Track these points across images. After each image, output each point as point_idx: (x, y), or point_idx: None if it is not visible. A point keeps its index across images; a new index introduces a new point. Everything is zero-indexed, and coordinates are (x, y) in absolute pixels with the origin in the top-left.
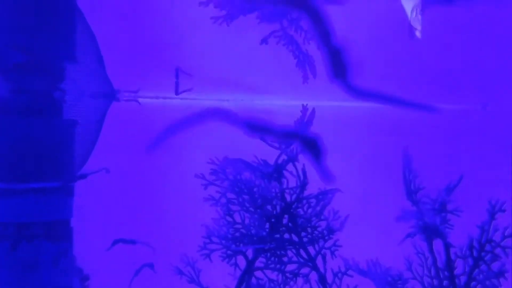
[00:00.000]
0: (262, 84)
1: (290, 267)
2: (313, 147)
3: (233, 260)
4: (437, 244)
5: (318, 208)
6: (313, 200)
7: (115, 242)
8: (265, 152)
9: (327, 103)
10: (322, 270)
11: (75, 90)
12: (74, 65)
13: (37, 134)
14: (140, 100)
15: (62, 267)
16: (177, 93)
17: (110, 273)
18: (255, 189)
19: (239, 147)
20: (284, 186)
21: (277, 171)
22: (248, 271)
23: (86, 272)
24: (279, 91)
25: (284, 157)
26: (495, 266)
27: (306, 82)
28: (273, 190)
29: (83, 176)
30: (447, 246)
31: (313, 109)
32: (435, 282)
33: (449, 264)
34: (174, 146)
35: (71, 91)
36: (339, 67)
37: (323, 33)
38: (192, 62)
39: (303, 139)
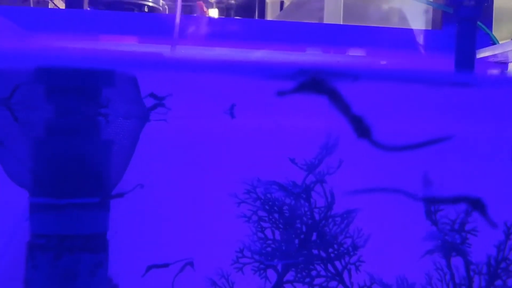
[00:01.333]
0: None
1: (318, 281)
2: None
3: (264, 274)
4: (454, 260)
5: (343, 226)
6: (339, 219)
7: (149, 268)
8: (294, 173)
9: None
10: (348, 283)
11: (112, 112)
12: (112, 89)
13: (77, 153)
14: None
15: (98, 277)
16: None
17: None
18: (285, 208)
19: (269, 169)
20: (313, 205)
21: (306, 192)
22: (279, 284)
23: (115, 282)
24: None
25: (312, 178)
26: (510, 282)
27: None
28: (302, 209)
29: (120, 195)
30: (467, 263)
31: (338, 134)
32: None
33: (469, 280)
34: (210, 167)
35: (109, 113)
36: (362, 130)
37: (343, 107)
38: None
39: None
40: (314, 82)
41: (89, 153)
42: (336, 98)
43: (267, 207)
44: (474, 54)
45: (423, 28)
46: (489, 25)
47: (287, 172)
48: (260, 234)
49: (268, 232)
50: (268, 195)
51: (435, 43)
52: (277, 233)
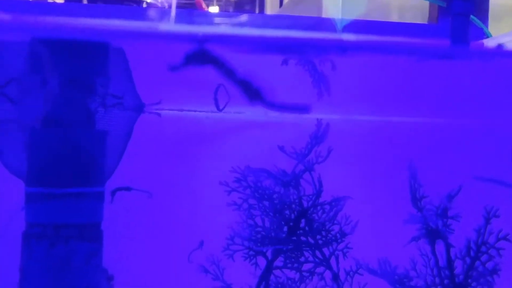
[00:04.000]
0: (282, 100)
1: (307, 267)
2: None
3: (254, 260)
4: (438, 247)
5: (331, 214)
6: (327, 206)
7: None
8: (283, 161)
9: (340, 117)
10: (335, 269)
11: (106, 102)
12: (105, 80)
13: (72, 143)
14: (162, 112)
15: (92, 266)
16: (218, 108)
17: (133, 274)
18: (274, 196)
19: (259, 157)
20: (301, 193)
21: (295, 180)
22: (268, 270)
23: (110, 272)
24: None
25: (301, 166)
26: (490, 265)
27: (320, 98)
28: (291, 197)
29: (128, 189)
30: (448, 247)
31: (327, 123)
32: (437, 280)
33: (450, 263)
34: (200, 157)
35: (103, 104)
36: (252, 93)
37: (228, 73)
38: None
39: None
40: (198, 53)
41: (84, 142)
42: (220, 66)
43: (257, 195)
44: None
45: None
46: (485, 20)
47: (277, 161)
48: (250, 221)
49: (258, 220)
50: (258, 184)
51: (431, 37)
52: (267, 220)
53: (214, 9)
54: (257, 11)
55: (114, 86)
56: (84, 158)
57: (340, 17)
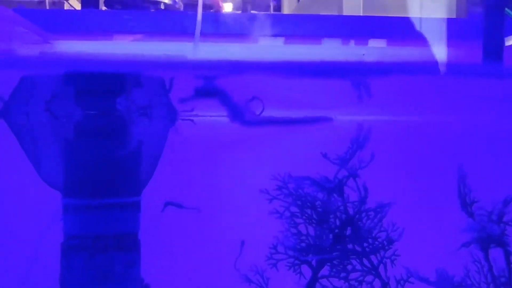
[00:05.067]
0: (321, 101)
1: (354, 275)
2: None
3: (298, 269)
4: (492, 253)
5: (376, 220)
6: (372, 213)
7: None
8: (326, 168)
9: (382, 118)
10: (384, 277)
11: (141, 112)
12: (140, 89)
13: (108, 154)
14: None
15: (131, 276)
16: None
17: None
18: (317, 203)
19: (300, 164)
20: (346, 200)
21: (339, 186)
22: (314, 279)
23: (146, 281)
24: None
25: (344, 172)
26: None
27: (361, 101)
28: (335, 204)
29: (176, 205)
30: (507, 254)
31: (369, 127)
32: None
33: (510, 270)
34: (239, 164)
35: (138, 113)
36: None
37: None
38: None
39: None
40: (206, 88)
41: (119, 154)
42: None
43: (299, 202)
44: (502, 42)
45: (447, 16)
46: None
47: (320, 168)
48: (293, 230)
49: (302, 228)
50: (300, 191)
51: (461, 33)
52: (310, 228)
53: (228, 6)
54: (271, 7)
55: (149, 96)
56: (119, 168)
57: (361, 13)
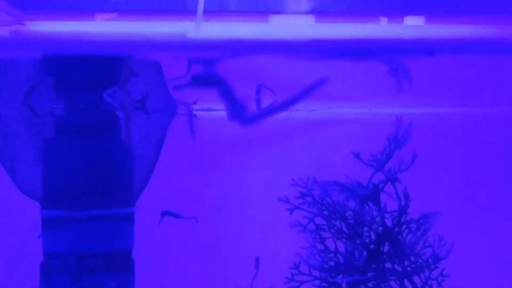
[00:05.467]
0: (349, 93)
1: None
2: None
3: None
4: None
5: (420, 234)
6: (414, 225)
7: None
8: (355, 170)
9: (425, 111)
10: None
11: (134, 104)
12: (134, 79)
13: (96, 156)
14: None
15: None
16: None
17: None
18: (348, 213)
19: (325, 166)
20: (383, 209)
21: (374, 193)
22: None
23: None
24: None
25: (380, 176)
26: None
27: (400, 90)
28: (370, 214)
29: (176, 215)
30: None
31: (410, 121)
32: None
33: None
34: (252, 166)
35: (130, 106)
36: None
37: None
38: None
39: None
40: (205, 75)
41: (109, 155)
42: (224, 88)
43: (326, 213)
44: None
45: None
46: None
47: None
48: (319, 246)
49: (330, 243)
50: (327, 199)
51: None
52: (340, 244)
53: None
54: None
55: (145, 86)
56: (110, 173)
57: None
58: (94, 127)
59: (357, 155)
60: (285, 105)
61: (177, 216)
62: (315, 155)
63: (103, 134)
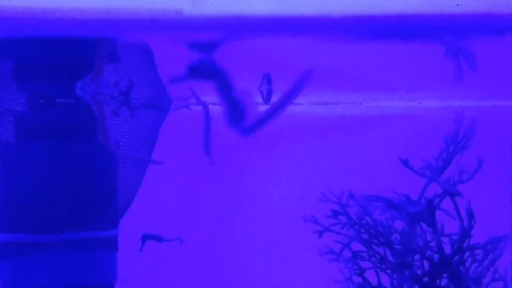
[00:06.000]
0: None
1: None
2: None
3: None
4: None
5: (488, 263)
6: (480, 252)
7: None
8: (403, 182)
9: (489, 103)
10: None
11: (119, 98)
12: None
13: (68, 163)
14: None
15: None
16: (266, 101)
17: None
18: (394, 237)
19: (364, 176)
20: (439, 232)
21: (428, 210)
22: None
23: None
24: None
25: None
26: None
27: (460, 78)
28: (422, 238)
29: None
30: None
31: (473, 119)
32: None
33: None
34: (268, 175)
35: (113, 100)
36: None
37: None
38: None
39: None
40: (202, 65)
41: (86, 164)
42: (222, 80)
43: (366, 236)
44: None
45: None
46: None
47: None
48: (357, 279)
49: (370, 275)
50: (367, 218)
51: None
52: (384, 276)
53: None
54: None
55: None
56: (86, 186)
57: None
58: (66, 128)
59: (405, 162)
60: (284, 104)
61: (159, 239)
62: (350, 162)
63: (78, 137)
